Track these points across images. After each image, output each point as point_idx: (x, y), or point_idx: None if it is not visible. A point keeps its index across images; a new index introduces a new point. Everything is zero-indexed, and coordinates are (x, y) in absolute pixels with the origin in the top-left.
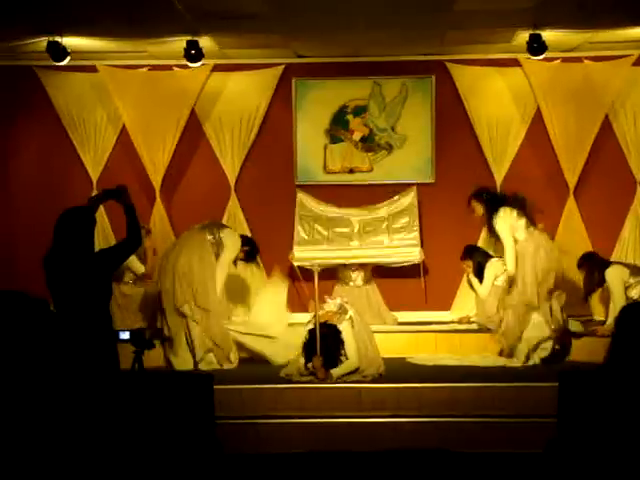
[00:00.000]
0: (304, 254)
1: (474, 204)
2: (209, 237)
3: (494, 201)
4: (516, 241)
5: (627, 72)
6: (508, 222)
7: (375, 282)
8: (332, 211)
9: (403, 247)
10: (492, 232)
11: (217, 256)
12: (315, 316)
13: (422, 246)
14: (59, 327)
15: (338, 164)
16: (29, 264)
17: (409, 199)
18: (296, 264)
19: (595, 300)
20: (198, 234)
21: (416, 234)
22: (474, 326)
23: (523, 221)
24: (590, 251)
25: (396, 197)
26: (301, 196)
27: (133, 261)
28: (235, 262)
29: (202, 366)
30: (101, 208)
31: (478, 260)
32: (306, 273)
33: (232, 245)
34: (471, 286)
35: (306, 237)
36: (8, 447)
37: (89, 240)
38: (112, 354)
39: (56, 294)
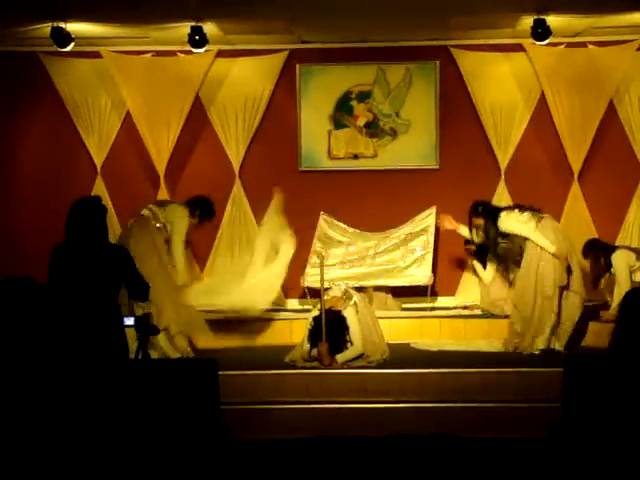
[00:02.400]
0: (315, 276)
1: (475, 221)
2: (154, 222)
3: (489, 209)
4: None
5: (631, 57)
6: (512, 218)
7: None
8: (354, 234)
9: (415, 269)
10: (495, 240)
11: (167, 239)
12: (320, 302)
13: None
14: (66, 313)
15: (342, 150)
16: (35, 250)
17: (428, 220)
18: (306, 285)
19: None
20: (142, 223)
21: (429, 257)
22: (478, 311)
23: (526, 214)
24: (593, 238)
25: (417, 217)
26: (325, 219)
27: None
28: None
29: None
30: (104, 192)
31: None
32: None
33: (178, 219)
34: (475, 272)
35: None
36: (15, 433)
37: (103, 227)
38: (121, 341)
39: (65, 283)
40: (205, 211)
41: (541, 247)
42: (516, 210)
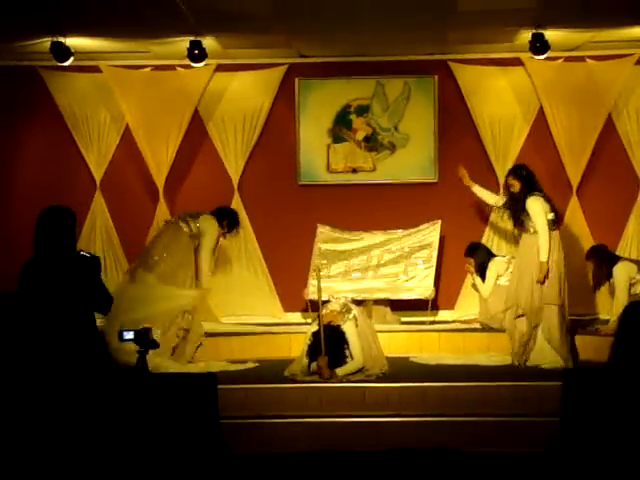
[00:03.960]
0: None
1: (511, 180)
2: (185, 230)
3: (530, 181)
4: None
5: (630, 71)
6: (541, 208)
7: None
8: (353, 239)
9: (417, 282)
10: (518, 213)
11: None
12: (319, 317)
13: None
14: (36, 327)
15: (341, 164)
16: None
17: (433, 235)
18: (310, 298)
19: (602, 299)
20: (174, 227)
21: (432, 271)
22: (477, 325)
23: (552, 214)
24: (600, 244)
25: (422, 226)
26: (322, 231)
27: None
28: (223, 236)
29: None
30: (103, 206)
31: (480, 258)
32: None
33: (210, 229)
34: (474, 286)
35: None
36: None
37: (70, 236)
38: (98, 354)
39: (35, 297)
40: (232, 221)
41: (539, 246)
42: (548, 203)
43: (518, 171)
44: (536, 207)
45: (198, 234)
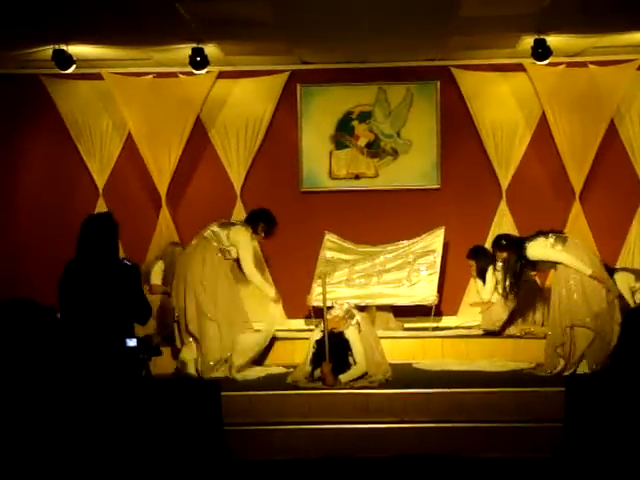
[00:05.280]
0: (321, 296)
1: (499, 254)
2: (215, 244)
3: (513, 241)
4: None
5: (632, 76)
6: (539, 245)
7: None
8: (360, 250)
9: (420, 288)
10: (521, 271)
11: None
12: (323, 322)
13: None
14: (68, 334)
15: (343, 170)
16: (36, 272)
17: (437, 241)
18: (313, 304)
19: None
20: (204, 244)
21: (435, 277)
22: (480, 331)
23: (551, 238)
24: None
25: (423, 235)
26: (329, 239)
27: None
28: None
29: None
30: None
31: (482, 262)
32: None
33: (242, 240)
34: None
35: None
36: (13, 455)
37: (113, 244)
38: (126, 362)
39: (76, 302)
40: (268, 222)
41: (576, 269)
42: (541, 237)
43: (498, 243)
44: (537, 251)
45: (228, 246)
